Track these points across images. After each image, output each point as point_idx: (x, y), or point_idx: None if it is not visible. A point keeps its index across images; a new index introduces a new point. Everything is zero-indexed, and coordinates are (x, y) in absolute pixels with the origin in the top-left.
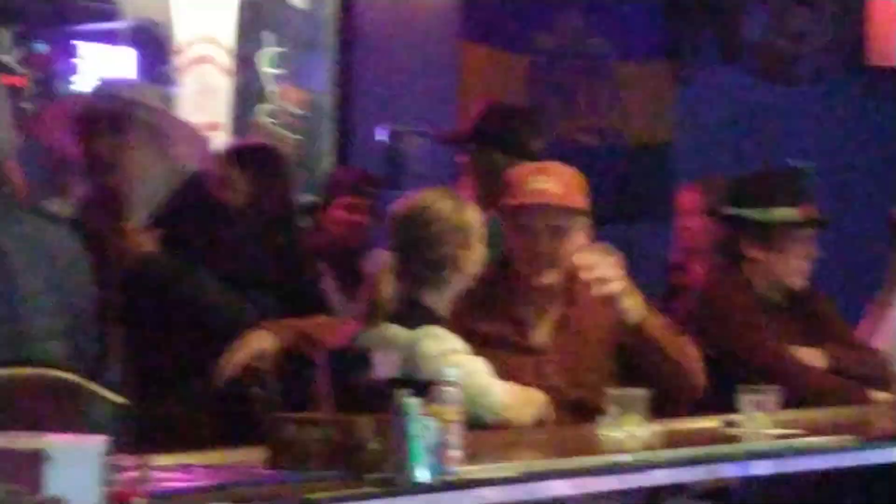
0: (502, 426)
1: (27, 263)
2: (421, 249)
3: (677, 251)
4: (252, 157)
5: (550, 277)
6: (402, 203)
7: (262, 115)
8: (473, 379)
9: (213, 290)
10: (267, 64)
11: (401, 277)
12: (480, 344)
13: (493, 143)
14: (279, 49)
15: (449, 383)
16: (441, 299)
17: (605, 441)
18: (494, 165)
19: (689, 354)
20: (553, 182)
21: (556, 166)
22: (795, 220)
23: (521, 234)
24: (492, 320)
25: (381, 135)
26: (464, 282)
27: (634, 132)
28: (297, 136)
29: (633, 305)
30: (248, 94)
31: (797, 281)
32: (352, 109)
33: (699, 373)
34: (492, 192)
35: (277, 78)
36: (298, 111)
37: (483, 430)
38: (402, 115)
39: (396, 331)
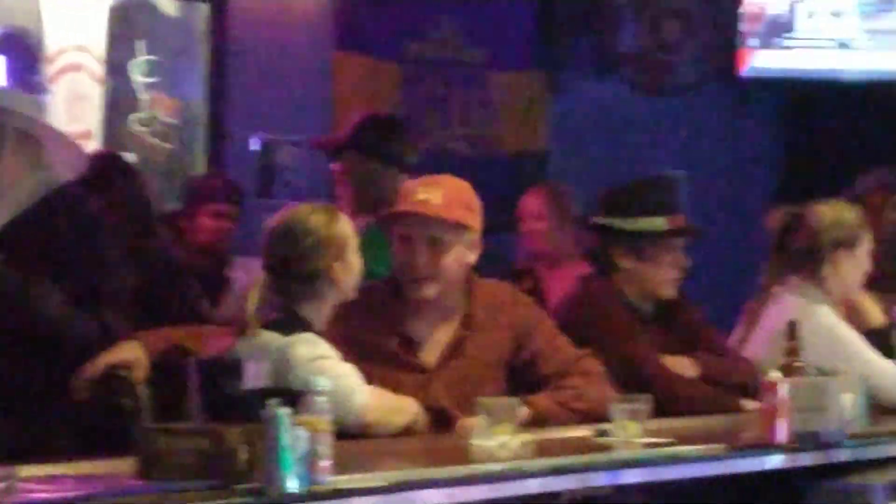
0: (367, 432)
1: None
2: (294, 263)
3: (521, 257)
4: (100, 168)
5: (430, 290)
6: (275, 217)
7: (135, 123)
8: (339, 382)
9: (56, 302)
10: (139, 72)
11: (276, 290)
12: (368, 358)
13: (370, 152)
14: (151, 57)
15: (319, 393)
16: (317, 311)
17: (477, 450)
18: (370, 174)
19: (592, 397)
20: (436, 194)
21: (446, 179)
22: (665, 229)
23: (400, 244)
24: (382, 335)
25: (254, 144)
26: (340, 294)
27: (509, 141)
28: (170, 145)
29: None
30: (120, 102)
31: (667, 290)
32: (225, 118)
33: (608, 396)
34: (367, 201)
35: (150, 86)
36: (171, 120)
37: (349, 435)
38: (276, 124)
39: (270, 337)
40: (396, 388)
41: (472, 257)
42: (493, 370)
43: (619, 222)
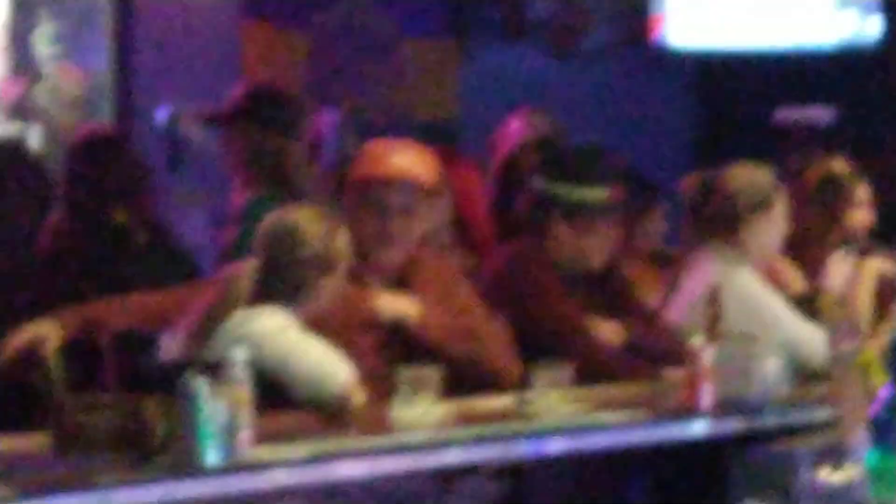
0: (343, 405)
1: None
2: (284, 270)
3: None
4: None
5: (399, 257)
6: (273, 216)
7: (40, 95)
8: (312, 356)
9: None
10: (43, 42)
11: (260, 286)
12: (320, 321)
13: (261, 121)
14: (55, 26)
15: (239, 364)
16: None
17: (398, 421)
18: (262, 145)
19: (484, 348)
20: (411, 160)
21: (409, 145)
22: (606, 201)
23: (367, 210)
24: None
25: (162, 116)
26: (317, 307)
27: (420, 110)
28: (76, 117)
29: (411, 312)
30: (23, 73)
31: (598, 261)
32: (132, 90)
33: (501, 363)
34: (260, 172)
35: (54, 56)
36: (76, 91)
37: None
38: (184, 96)
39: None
40: (356, 351)
41: (427, 223)
42: None
43: (560, 189)
